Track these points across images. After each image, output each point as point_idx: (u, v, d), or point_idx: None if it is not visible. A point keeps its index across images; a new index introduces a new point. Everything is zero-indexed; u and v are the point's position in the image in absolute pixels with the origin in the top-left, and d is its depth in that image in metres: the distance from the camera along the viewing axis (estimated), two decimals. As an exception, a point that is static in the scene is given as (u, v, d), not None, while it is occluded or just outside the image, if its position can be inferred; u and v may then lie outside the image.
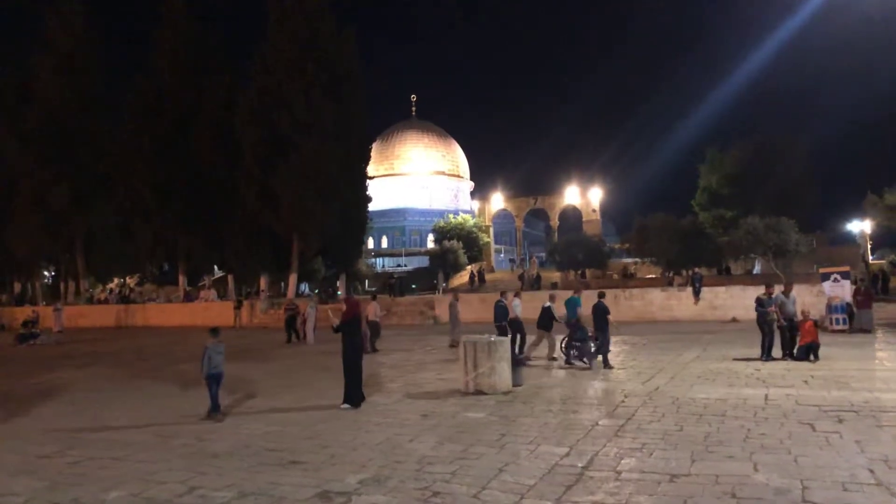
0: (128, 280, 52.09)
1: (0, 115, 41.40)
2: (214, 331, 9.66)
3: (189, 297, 38.81)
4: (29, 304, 41.66)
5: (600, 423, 8.12)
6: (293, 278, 37.41)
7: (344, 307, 10.24)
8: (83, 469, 6.77)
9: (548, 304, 14.75)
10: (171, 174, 37.69)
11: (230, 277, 41.58)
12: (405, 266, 63.99)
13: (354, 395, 9.77)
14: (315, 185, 33.89)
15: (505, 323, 15.34)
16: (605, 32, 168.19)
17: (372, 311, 17.99)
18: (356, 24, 46.39)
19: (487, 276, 48.02)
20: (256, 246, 36.64)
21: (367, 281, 52.63)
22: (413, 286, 46.68)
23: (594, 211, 56.09)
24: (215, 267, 46.77)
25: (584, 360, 13.24)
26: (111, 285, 52.40)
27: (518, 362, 11.04)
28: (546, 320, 14.35)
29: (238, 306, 32.37)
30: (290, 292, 36.50)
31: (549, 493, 5.50)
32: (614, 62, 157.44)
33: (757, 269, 39.51)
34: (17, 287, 48.21)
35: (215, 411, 9.29)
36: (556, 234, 57.14)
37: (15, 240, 40.97)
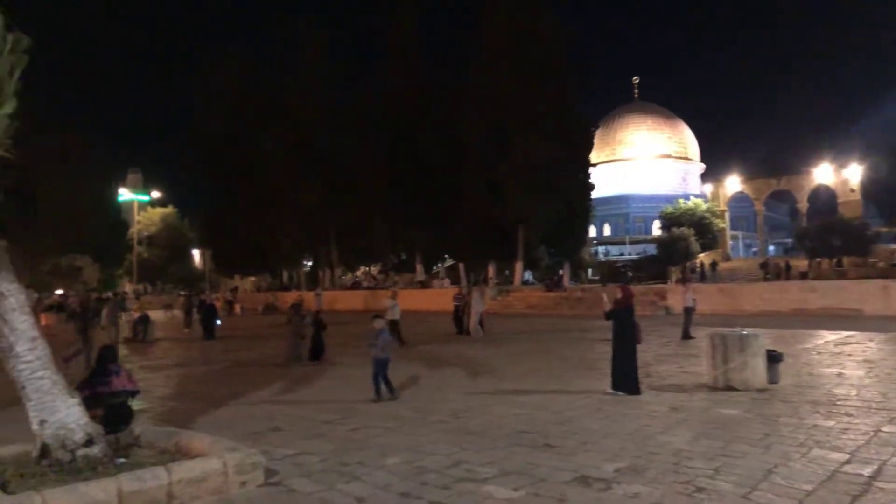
0: (371, 269, 57.33)
1: (262, 129, 47.95)
2: (379, 316, 10.37)
3: (423, 285, 41.66)
4: (294, 289, 47.95)
5: (883, 429, 7.22)
6: (519, 266, 38.32)
7: (619, 293, 10.25)
8: (362, 436, 7.65)
9: None
10: (402, 172, 40.68)
11: (461, 266, 43.78)
12: (629, 254, 62.08)
13: (628, 383, 9.71)
14: (537, 177, 34.30)
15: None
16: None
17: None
18: (575, 11, 45.79)
19: (724, 265, 44.75)
20: (482, 236, 38.11)
21: (590, 269, 52.01)
22: (632, 275, 45.13)
23: (852, 190, 49.48)
24: (447, 256, 49.57)
25: None
26: (358, 273, 58.13)
27: (774, 358, 10.19)
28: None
29: (468, 293, 33.87)
30: (517, 279, 37.47)
31: (832, 501, 5.05)
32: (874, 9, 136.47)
33: None
34: (285, 275, 55.69)
35: (390, 392, 9.83)
36: (805, 218, 51.40)
37: (280, 235, 47.37)
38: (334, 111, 46.78)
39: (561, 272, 41.60)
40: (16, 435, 6.61)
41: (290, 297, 38.91)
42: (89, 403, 5.91)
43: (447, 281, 41.99)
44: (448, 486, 5.68)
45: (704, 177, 73.82)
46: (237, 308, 42.26)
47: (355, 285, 50.27)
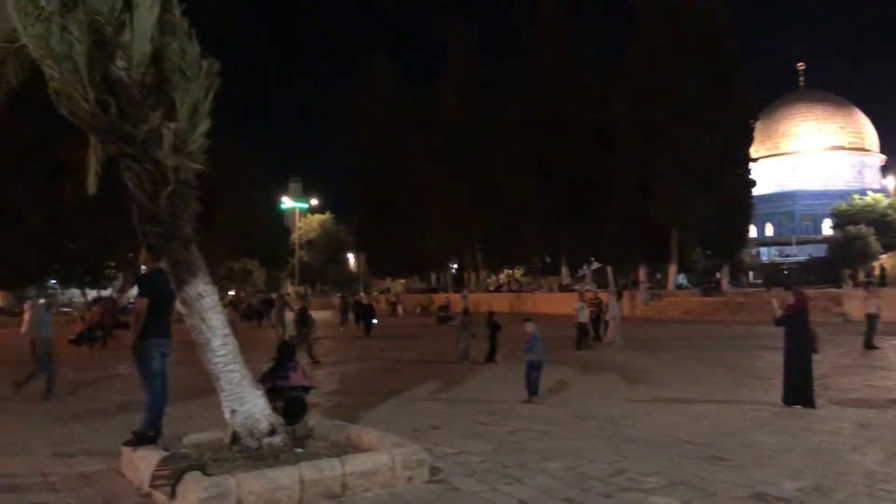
0: (515, 271, 57.48)
1: (413, 133, 49.66)
2: (527, 320, 10.22)
3: (566, 288, 41.02)
4: (441, 291, 49.22)
5: None
6: (672, 269, 36.66)
7: (791, 298, 9.55)
8: (520, 438, 7.67)
9: None
10: (549, 172, 40.28)
11: (608, 268, 42.64)
12: (794, 256, 57.24)
13: (803, 396, 9.01)
14: (693, 175, 32.57)
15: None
16: None
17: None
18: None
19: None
20: (632, 237, 36.80)
21: (750, 273, 48.60)
22: (799, 278, 41.48)
23: None
24: (593, 258, 48.53)
25: None
26: (501, 276, 58.54)
27: None
28: None
29: (618, 298, 32.91)
30: (670, 283, 35.84)
31: None
32: None
33: None
34: (433, 278, 57.35)
35: (532, 395, 9.73)
36: None
37: (428, 238, 48.81)
38: (482, 112, 47.41)
39: (718, 275, 39.22)
40: (207, 423, 7.35)
41: (439, 299, 40.09)
42: (270, 396, 6.42)
43: (592, 284, 41.03)
44: (611, 494, 5.54)
45: (885, 169, 66.40)
46: (399, 309, 43.50)
47: (499, 288, 50.68)
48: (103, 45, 5.50)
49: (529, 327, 10.14)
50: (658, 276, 41.54)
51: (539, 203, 40.99)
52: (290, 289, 67.63)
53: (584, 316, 18.08)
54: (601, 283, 43.49)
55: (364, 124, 53.95)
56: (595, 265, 50.09)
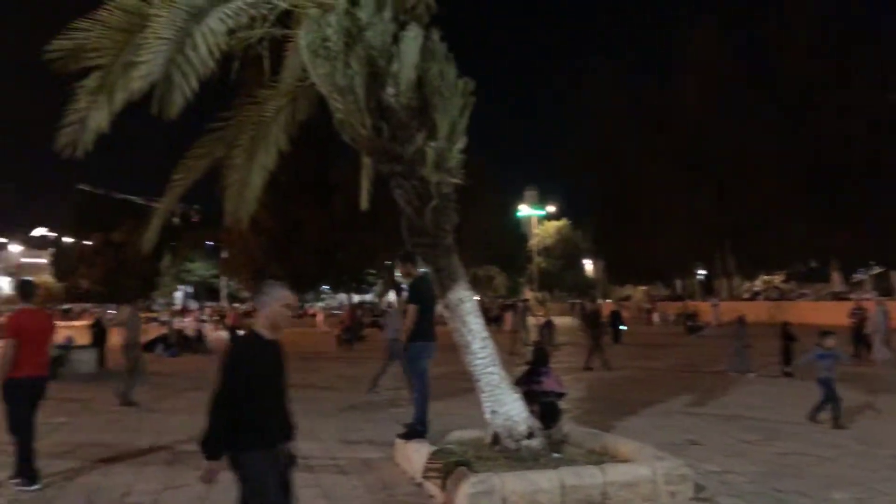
0: (774, 278, 52.15)
1: (651, 135, 47.51)
2: (826, 334, 8.96)
3: (839, 296, 35.99)
4: (688, 299, 46.36)
5: None
6: None
7: None
8: (793, 461, 6.92)
9: None
10: (818, 164, 35.72)
11: (893, 274, 36.70)
12: None
13: None
14: None
15: None
16: None
17: None
18: None
19: None
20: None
21: None
22: None
23: None
24: (873, 262, 42.10)
25: None
26: (757, 282, 53.49)
27: None
28: None
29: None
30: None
31: None
32: None
33: None
34: (678, 284, 54.38)
35: (817, 413, 8.69)
36: None
37: (671, 243, 46.29)
38: (729, 102, 43.83)
39: None
40: (464, 420, 7.78)
41: (703, 307, 37.28)
42: (525, 400, 6.59)
43: (873, 293, 35.51)
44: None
45: None
46: (654, 316, 41.63)
47: (755, 296, 46.17)
48: (377, 75, 6.13)
49: (830, 342, 9.10)
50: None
51: (804, 200, 36.61)
52: (528, 294, 69.01)
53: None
54: (885, 290, 37.57)
55: (597, 127, 53.04)
56: (876, 269, 43.41)
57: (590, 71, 52.64)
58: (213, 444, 3.43)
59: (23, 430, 6.13)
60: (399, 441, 6.93)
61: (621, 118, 49.96)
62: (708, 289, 51.71)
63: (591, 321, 17.46)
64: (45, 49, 6.15)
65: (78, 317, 52.62)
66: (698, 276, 56.70)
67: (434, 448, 6.13)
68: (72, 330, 20.31)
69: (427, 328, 7.13)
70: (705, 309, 34.50)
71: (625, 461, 5.85)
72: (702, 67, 44.38)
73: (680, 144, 44.69)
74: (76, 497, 6.00)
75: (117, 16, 6.07)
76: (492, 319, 36.58)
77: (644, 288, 64.16)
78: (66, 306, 61.74)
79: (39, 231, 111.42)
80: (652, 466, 5.56)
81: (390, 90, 6.21)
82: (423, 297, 7.08)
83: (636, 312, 43.35)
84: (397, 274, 35.97)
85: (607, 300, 46.12)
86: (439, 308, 6.89)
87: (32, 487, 6.11)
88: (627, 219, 49.95)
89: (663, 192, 46.30)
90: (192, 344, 22.46)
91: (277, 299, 3.61)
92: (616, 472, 5.43)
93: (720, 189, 42.48)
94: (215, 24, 5.98)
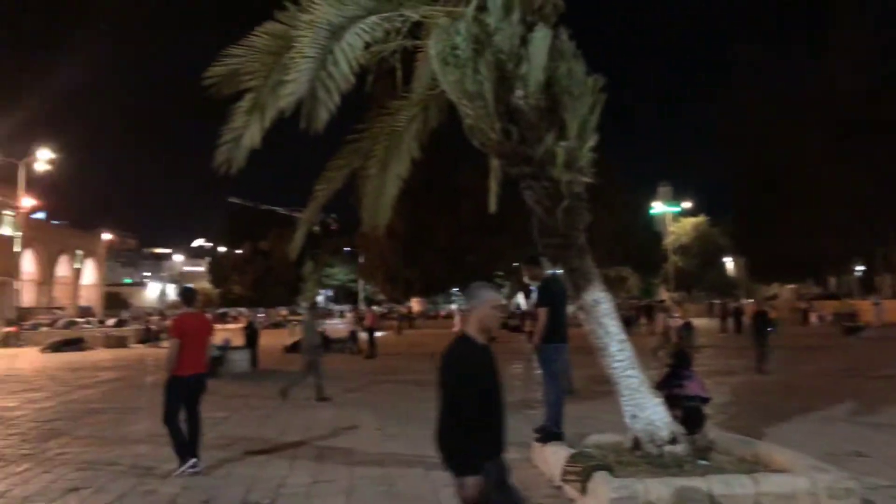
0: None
1: (798, 123, 43.88)
2: None
3: None
4: (844, 297, 42.43)
5: None
6: None
7: None
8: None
9: None
10: None
11: None
12: None
13: None
14: None
15: None
16: None
17: None
18: None
19: None
20: None
21: None
22: None
23: None
24: None
25: None
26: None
27: None
28: None
29: None
30: None
31: None
32: None
33: None
34: (832, 282, 49.95)
35: None
36: None
37: (824, 237, 42.54)
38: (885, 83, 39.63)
39: None
40: (601, 424, 7.60)
41: (863, 305, 33.97)
42: (667, 404, 6.34)
43: None
44: None
45: None
46: (812, 316, 38.62)
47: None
48: (505, 79, 6.16)
49: None
50: None
51: None
52: (664, 295, 66.17)
53: None
54: None
55: (736, 121, 49.77)
56: None
57: (734, 58, 49.59)
58: (470, 459, 3.22)
59: (171, 422, 6.81)
60: (536, 443, 6.91)
61: (771, 105, 46.56)
62: (867, 286, 47.05)
63: (757, 323, 16.28)
64: (203, 77, 6.76)
65: (233, 320, 57.02)
66: (856, 272, 51.77)
67: (573, 451, 6.06)
68: (227, 332, 22.03)
69: (559, 330, 7.05)
70: (865, 308, 31.43)
71: (780, 471, 5.47)
72: (858, 42, 40.47)
73: (835, 129, 40.94)
74: (237, 487, 6.50)
75: (266, 40, 6.56)
76: (627, 321, 35.44)
77: (792, 286, 59.54)
78: (221, 310, 67.06)
79: (198, 241, 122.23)
80: (812, 478, 5.16)
81: (519, 92, 6.22)
82: (554, 299, 7.02)
83: (788, 312, 40.10)
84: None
85: (750, 300, 43.19)
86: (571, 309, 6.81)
87: (187, 465, 6.76)
88: (775, 211, 46.50)
89: (818, 181, 42.64)
90: (345, 345, 23.87)
91: (487, 301, 3.47)
92: (770, 483, 5.09)
93: (885, 176, 38.45)
94: (353, 39, 6.28)
